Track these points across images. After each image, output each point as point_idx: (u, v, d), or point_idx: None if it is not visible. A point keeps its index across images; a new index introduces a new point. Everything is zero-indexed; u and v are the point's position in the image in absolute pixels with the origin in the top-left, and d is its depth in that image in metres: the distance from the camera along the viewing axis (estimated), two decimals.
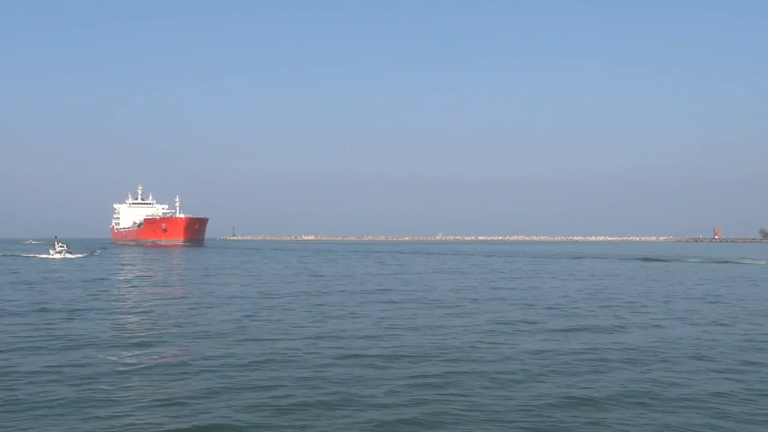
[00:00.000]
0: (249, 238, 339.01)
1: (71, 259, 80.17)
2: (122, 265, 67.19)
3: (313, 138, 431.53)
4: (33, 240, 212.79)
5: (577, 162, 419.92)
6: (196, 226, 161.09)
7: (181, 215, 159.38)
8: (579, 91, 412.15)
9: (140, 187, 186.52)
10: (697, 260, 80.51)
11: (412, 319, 23.91)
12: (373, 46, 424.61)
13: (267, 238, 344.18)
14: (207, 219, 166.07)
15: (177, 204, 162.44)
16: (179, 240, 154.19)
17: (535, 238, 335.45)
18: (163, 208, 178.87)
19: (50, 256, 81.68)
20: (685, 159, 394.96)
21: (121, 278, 46.14)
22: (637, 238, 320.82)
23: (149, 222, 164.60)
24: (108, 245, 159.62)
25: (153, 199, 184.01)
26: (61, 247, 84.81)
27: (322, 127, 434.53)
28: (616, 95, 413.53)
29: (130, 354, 17.20)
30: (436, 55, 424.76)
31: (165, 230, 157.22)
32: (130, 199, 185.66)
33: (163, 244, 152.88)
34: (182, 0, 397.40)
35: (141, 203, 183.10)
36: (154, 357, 16.81)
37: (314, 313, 25.59)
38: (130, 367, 15.54)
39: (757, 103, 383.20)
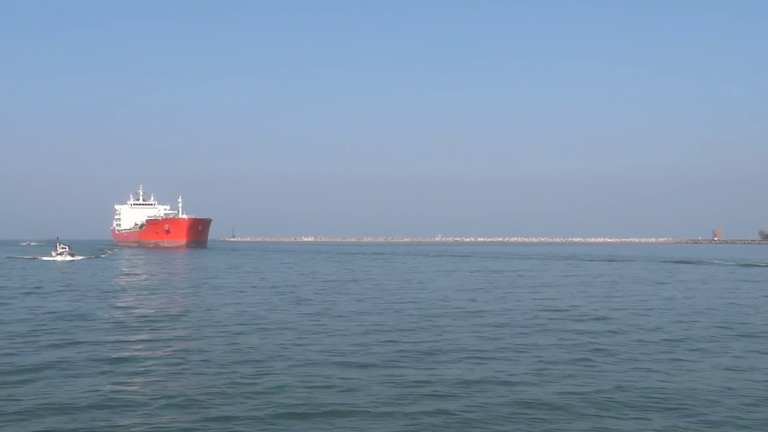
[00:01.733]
0: (248, 239, 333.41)
1: (74, 261, 75.44)
2: (149, 272, 62.20)
3: (313, 138, 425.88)
4: (31, 241, 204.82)
5: (577, 162, 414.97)
6: (200, 227, 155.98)
7: (184, 216, 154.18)
8: (579, 91, 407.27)
9: (141, 188, 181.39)
10: (731, 263, 76.01)
11: None
12: (373, 46, 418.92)
13: (266, 239, 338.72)
14: (210, 220, 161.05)
15: (180, 204, 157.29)
16: (182, 241, 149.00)
17: (534, 239, 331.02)
18: (165, 209, 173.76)
19: (52, 258, 76.96)
20: (684, 159, 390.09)
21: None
22: (636, 240, 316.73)
23: (152, 223, 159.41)
24: (110, 247, 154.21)
25: (155, 199, 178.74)
26: (62, 248, 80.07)
27: (322, 127, 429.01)
28: (616, 95, 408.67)
29: None
30: (436, 55, 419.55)
31: (168, 231, 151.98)
32: (131, 199, 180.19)
33: (166, 245, 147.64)
34: (182, 0, 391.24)
35: (142, 204, 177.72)
36: None
37: None
38: None
39: (757, 103, 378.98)
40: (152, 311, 26.44)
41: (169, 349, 17.99)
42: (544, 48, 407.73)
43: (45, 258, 78.51)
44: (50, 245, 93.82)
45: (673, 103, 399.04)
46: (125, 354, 17.20)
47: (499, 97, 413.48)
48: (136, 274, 51.66)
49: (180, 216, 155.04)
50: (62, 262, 73.55)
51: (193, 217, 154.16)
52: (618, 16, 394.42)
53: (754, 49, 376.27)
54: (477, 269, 60.63)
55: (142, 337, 20.14)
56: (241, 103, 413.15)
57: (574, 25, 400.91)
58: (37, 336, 19.86)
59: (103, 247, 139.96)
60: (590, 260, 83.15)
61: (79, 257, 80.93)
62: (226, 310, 26.78)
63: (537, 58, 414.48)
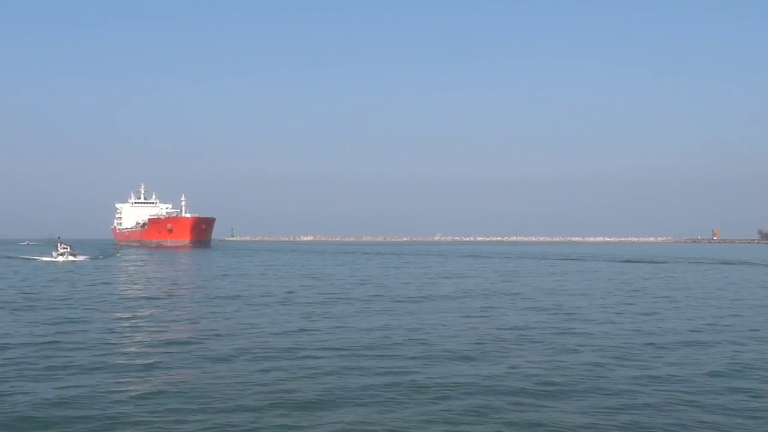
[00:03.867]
0: (248, 238, 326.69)
1: (76, 262, 69.37)
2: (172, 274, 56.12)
3: (312, 138, 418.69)
4: (30, 241, 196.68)
5: (577, 162, 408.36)
6: (203, 226, 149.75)
7: (187, 215, 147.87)
8: (579, 91, 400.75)
9: (143, 186, 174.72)
10: None
11: None
12: (373, 46, 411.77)
13: (265, 238, 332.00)
14: (214, 219, 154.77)
15: (183, 203, 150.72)
16: (186, 241, 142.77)
17: (533, 238, 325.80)
18: (166, 208, 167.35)
19: (53, 259, 70.87)
20: (684, 159, 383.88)
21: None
22: (636, 239, 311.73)
23: (154, 222, 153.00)
24: (111, 246, 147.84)
25: (156, 198, 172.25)
26: (64, 248, 73.84)
27: (322, 127, 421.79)
28: (615, 95, 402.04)
29: None
30: (436, 55, 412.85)
31: (170, 231, 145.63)
32: (132, 198, 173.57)
33: (169, 245, 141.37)
34: (182, 0, 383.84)
35: (144, 203, 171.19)
36: None
37: None
38: None
39: (757, 103, 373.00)
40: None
41: None
42: (544, 48, 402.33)
43: (45, 258, 72.48)
44: (50, 245, 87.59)
45: (673, 103, 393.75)
46: None
47: (499, 97, 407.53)
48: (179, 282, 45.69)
49: (183, 215, 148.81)
50: (64, 263, 67.51)
51: (197, 215, 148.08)
52: (618, 16, 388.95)
53: (754, 49, 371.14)
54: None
55: None
56: (241, 103, 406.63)
57: (574, 25, 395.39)
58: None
59: (104, 247, 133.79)
60: (653, 262, 73.93)
61: (82, 257, 74.92)
62: None
63: (537, 58, 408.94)
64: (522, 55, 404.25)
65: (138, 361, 15.50)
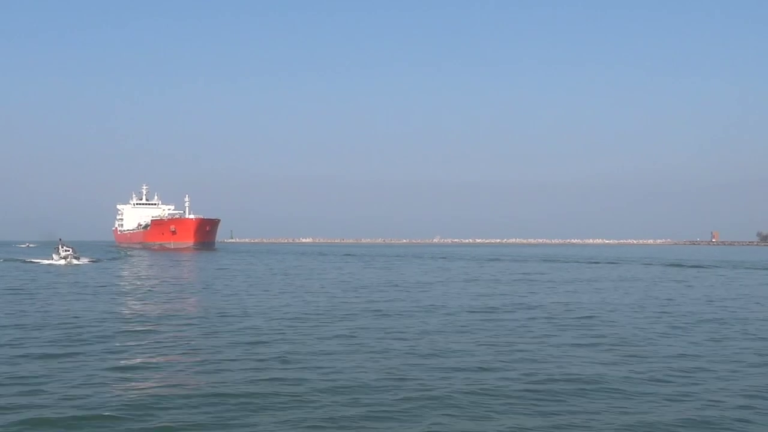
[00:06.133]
0: (247, 240, 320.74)
1: (79, 266, 63.21)
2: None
3: (313, 141, 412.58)
4: (30, 243, 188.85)
5: (575, 165, 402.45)
6: (207, 228, 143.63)
7: (191, 216, 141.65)
8: (577, 94, 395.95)
9: (145, 187, 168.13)
10: None
11: None
12: (373, 47, 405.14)
13: (264, 240, 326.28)
14: (218, 220, 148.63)
15: (186, 204, 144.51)
16: (189, 243, 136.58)
17: (532, 241, 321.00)
18: (169, 209, 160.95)
19: (54, 262, 64.78)
20: (683, 161, 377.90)
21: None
22: (634, 241, 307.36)
23: (156, 223, 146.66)
24: (112, 248, 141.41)
25: (158, 199, 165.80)
26: (66, 251, 67.50)
27: (321, 129, 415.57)
28: (614, 98, 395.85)
29: None
30: (437, 56, 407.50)
31: (174, 232, 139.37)
32: (134, 199, 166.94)
33: (172, 247, 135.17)
34: (186, 1, 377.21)
35: (146, 204, 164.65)
36: None
37: None
38: None
39: (756, 105, 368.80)
40: None
41: None
42: (543, 50, 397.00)
43: (46, 262, 66.41)
44: (51, 247, 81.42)
45: (672, 106, 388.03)
46: None
47: (498, 100, 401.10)
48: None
49: (187, 216, 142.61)
50: (66, 266, 61.38)
51: (201, 217, 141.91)
52: (618, 17, 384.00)
53: (754, 49, 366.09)
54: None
55: None
56: (241, 105, 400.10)
57: (573, 28, 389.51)
58: None
59: (106, 249, 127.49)
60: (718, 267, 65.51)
61: (85, 260, 68.86)
62: None
63: (536, 60, 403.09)
64: (521, 56, 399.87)
65: None
